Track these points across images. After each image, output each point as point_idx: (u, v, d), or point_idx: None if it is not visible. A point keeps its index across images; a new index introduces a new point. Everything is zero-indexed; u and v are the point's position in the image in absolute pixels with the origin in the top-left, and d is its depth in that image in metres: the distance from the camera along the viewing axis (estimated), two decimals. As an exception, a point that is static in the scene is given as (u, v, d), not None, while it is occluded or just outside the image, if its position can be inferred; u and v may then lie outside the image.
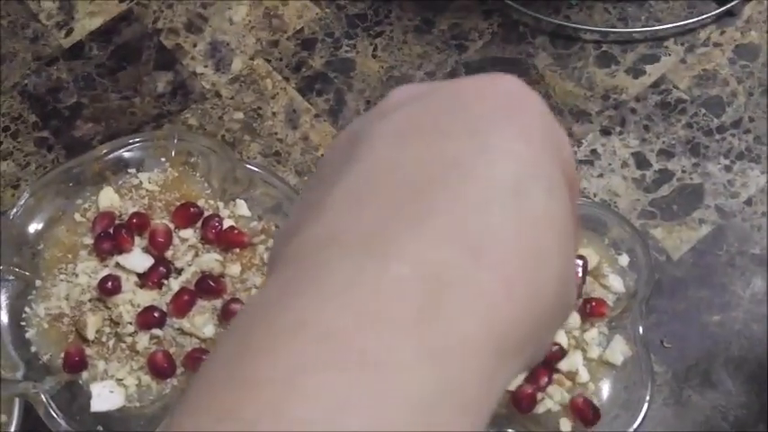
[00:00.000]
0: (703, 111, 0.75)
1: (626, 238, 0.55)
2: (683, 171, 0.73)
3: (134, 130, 0.76)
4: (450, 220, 0.27)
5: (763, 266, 0.69)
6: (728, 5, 0.78)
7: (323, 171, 0.31)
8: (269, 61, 0.79)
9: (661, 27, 0.78)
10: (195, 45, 0.80)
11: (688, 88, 0.76)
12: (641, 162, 0.74)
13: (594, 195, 0.72)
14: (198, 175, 0.58)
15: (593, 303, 0.53)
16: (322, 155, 0.35)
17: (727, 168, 0.73)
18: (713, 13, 0.78)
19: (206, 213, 0.56)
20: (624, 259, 0.55)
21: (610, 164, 0.74)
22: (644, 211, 0.72)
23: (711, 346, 0.67)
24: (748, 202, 0.72)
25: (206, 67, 0.79)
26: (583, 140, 0.74)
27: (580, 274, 0.53)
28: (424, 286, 0.26)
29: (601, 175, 0.73)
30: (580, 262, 0.53)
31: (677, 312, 0.69)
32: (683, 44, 0.78)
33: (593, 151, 0.74)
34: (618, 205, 0.72)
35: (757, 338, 0.67)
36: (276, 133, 0.76)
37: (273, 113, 0.77)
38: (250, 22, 0.81)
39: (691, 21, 0.78)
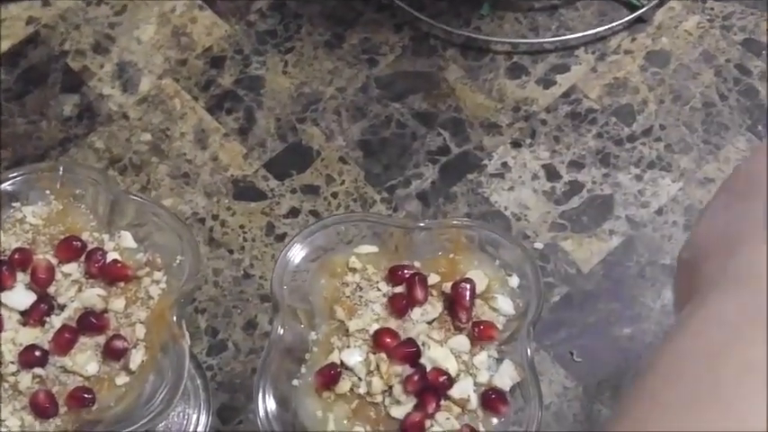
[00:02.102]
0: (614, 120, 0.75)
1: (517, 259, 0.54)
2: (594, 182, 0.73)
3: (40, 156, 0.75)
4: None
5: (674, 277, 0.69)
6: (639, 12, 0.77)
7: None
8: (177, 80, 0.78)
9: (572, 36, 0.77)
10: (102, 66, 0.79)
11: (598, 97, 0.76)
12: (551, 174, 0.73)
13: (505, 209, 0.72)
14: (84, 207, 0.57)
15: (482, 326, 0.52)
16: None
17: (638, 178, 0.72)
18: (624, 19, 0.78)
19: (90, 246, 0.55)
20: (514, 281, 0.54)
21: (520, 176, 0.73)
22: (554, 223, 0.71)
23: (622, 359, 0.67)
24: (659, 211, 0.71)
25: (113, 88, 0.78)
26: (493, 153, 0.74)
27: (468, 298, 0.52)
28: None
29: (511, 188, 0.73)
30: (468, 285, 0.53)
31: (588, 325, 0.68)
32: (593, 52, 0.77)
33: (504, 164, 0.73)
34: (528, 218, 0.71)
35: (668, 350, 0.67)
36: (185, 154, 0.75)
37: (182, 134, 0.76)
38: (158, 41, 0.80)
39: (602, 29, 0.77)
